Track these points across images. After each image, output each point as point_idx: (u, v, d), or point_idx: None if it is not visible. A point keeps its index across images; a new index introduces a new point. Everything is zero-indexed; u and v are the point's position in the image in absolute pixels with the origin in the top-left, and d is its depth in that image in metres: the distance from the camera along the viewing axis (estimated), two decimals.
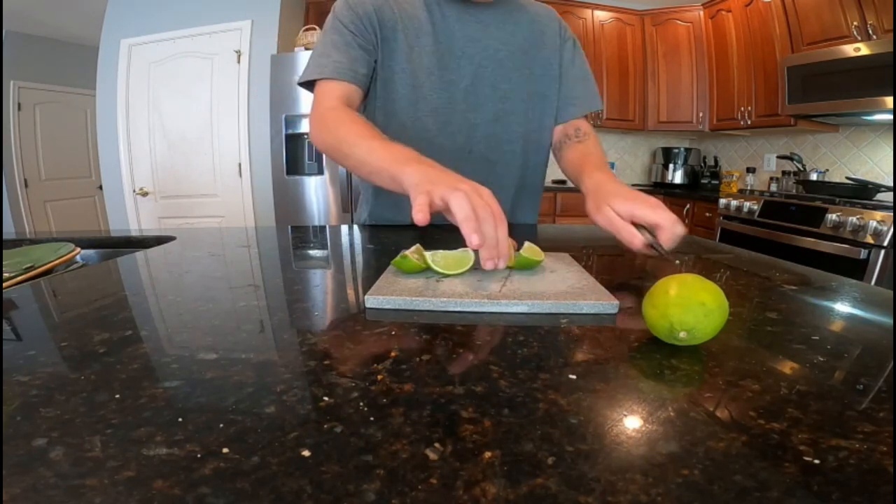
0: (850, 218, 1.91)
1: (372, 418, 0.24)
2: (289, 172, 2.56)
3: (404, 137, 0.68)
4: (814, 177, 2.60)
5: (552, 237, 0.86)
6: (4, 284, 0.52)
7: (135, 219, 3.02)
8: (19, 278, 0.55)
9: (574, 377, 0.30)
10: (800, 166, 2.66)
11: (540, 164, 0.96)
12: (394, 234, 0.82)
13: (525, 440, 0.23)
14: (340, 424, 0.24)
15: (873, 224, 1.83)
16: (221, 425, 0.23)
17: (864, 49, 2.06)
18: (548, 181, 1.60)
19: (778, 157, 2.92)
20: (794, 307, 0.47)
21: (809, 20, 2.37)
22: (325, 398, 0.27)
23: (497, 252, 0.45)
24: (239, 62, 2.76)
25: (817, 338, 0.37)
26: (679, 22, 3.25)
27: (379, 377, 0.29)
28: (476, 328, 0.38)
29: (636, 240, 0.56)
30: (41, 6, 3.29)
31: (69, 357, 0.32)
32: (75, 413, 0.24)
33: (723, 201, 2.59)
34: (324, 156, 2.50)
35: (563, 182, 3.11)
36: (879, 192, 2.21)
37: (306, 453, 0.21)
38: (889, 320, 0.43)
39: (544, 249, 0.55)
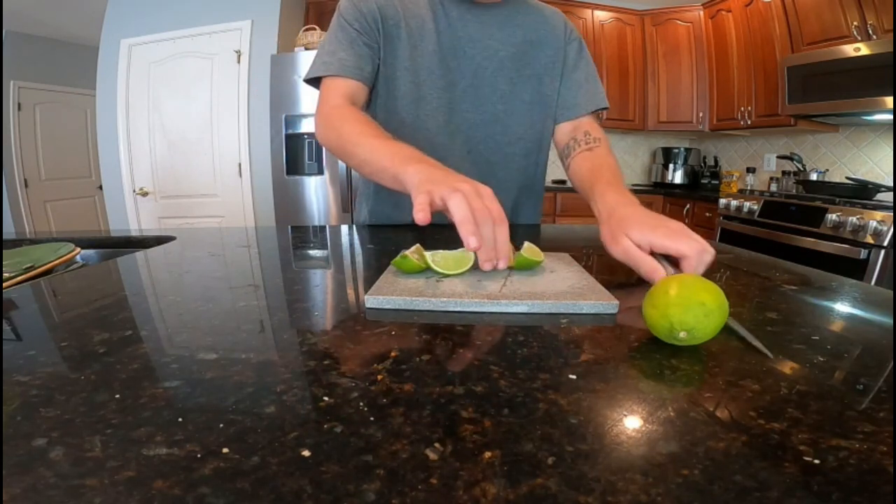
0: (850, 218, 1.91)
1: (372, 418, 0.24)
2: (289, 172, 2.56)
3: (405, 135, 0.68)
4: (814, 177, 2.60)
5: (552, 237, 0.86)
6: (4, 284, 0.52)
7: (135, 219, 3.02)
8: (19, 278, 0.55)
9: (574, 377, 0.30)
10: (800, 166, 2.66)
11: (541, 165, 0.96)
12: (394, 233, 0.82)
13: (525, 440, 0.23)
14: (340, 424, 0.24)
15: (873, 224, 1.83)
16: (221, 425, 0.23)
17: (864, 49, 2.06)
18: (548, 181, 1.59)
19: (778, 157, 2.92)
20: (794, 307, 0.47)
21: (809, 20, 2.37)
22: (325, 398, 0.27)
23: (495, 253, 0.45)
24: (239, 62, 2.75)
25: (817, 338, 0.37)
26: (679, 22, 3.25)
27: (379, 377, 0.29)
28: (476, 328, 0.38)
29: (656, 274, 0.49)
30: (41, 6, 3.29)
31: (69, 357, 0.32)
32: (75, 413, 0.24)
33: (723, 201, 2.59)
34: (324, 156, 2.50)
35: (563, 182, 3.11)
36: (879, 192, 2.21)
37: (306, 453, 0.21)
38: (889, 320, 0.43)
39: (544, 249, 0.55)
